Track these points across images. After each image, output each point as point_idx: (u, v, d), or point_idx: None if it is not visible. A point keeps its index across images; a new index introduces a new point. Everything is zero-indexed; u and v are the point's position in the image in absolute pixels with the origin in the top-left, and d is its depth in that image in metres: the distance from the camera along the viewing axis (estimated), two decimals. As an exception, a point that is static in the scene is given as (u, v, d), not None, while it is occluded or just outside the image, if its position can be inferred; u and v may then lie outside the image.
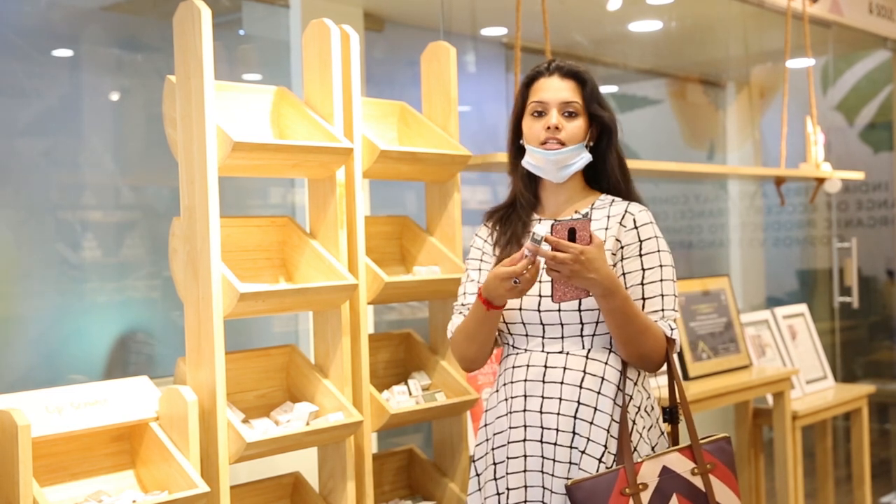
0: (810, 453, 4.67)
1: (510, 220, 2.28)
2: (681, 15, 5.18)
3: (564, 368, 2.15)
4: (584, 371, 2.14)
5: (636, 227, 2.18)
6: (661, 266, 2.17)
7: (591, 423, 2.12)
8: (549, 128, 2.18)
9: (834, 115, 6.48)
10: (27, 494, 1.90)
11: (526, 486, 2.14)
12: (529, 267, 2.02)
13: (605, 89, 5.66)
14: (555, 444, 2.14)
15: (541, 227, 2.22)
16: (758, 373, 4.05)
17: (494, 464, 2.19)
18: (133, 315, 3.28)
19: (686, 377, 3.85)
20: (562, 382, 2.15)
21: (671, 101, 6.01)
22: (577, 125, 2.20)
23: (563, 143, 2.18)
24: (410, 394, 2.72)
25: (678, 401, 2.20)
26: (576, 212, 2.23)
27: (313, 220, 2.54)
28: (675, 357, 2.22)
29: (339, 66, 2.52)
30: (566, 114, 2.20)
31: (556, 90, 2.20)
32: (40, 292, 3.06)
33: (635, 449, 2.13)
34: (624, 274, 2.17)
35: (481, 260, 2.32)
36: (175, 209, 2.28)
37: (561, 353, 2.17)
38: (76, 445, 2.15)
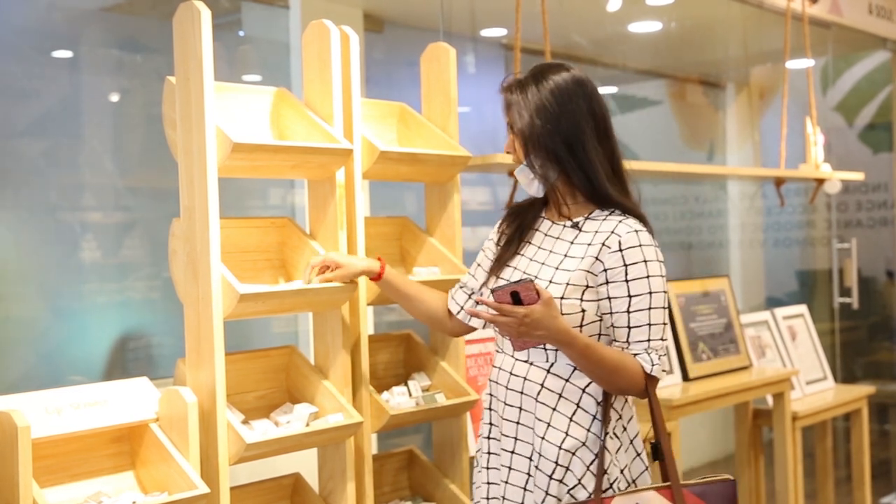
0: (810, 454, 4.67)
1: (520, 218, 2.28)
2: (680, 16, 5.18)
3: (525, 379, 2.14)
4: (542, 385, 2.11)
5: (621, 251, 2.06)
6: (650, 293, 2.05)
7: (543, 438, 2.08)
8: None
9: (833, 116, 6.48)
10: (27, 495, 1.90)
11: (497, 483, 2.18)
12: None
13: (604, 90, 5.66)
14: (512, 452, 2.14)
15: (496, 284, 2.19)
16: (758, 373, 4.05)
17: (487, 453, 2.24)
18: (133, 316, 3.28)
19: (686, 378, 3.85)
20: (521, 392, 2.14)
21: (671, 102, 6.02)
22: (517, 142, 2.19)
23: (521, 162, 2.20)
24: (410, 395, 2.72)
25: (658, 438, 2.09)
26: (524, 272, 2.16)
27: (313, 220, 2.54)
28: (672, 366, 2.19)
29: (339, 67, 2.52)
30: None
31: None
32: (40, 293, 3.07)
33: (606, 471, 2.06)
34: (610, 299, 2.07)
35: (487, 248, 2.36)
36: (175, 210, 2.28)
37: (526, 361, 2.15)
38: (76, 446, 2.15)
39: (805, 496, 4.26)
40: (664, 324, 2.09)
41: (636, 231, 2.09)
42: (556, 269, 2.12)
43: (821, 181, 4.82)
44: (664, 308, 2.09)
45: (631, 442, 2.16)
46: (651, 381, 2.07)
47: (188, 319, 2.25)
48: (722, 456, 5.61)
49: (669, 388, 3.69)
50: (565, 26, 4.69)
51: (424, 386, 2.79)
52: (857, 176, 5.01)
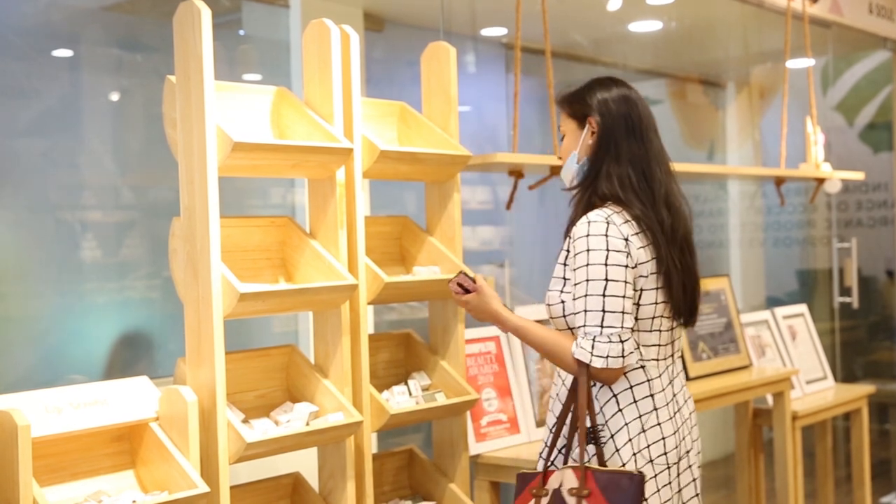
0: (810, 453, 4.66)
1: None
2: (681, 15, 5.18)
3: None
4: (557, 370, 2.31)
5: (572, 241, 2.17)
6: (587, 281, 2.11)
7: (550, 410, 2.30)
8: None
9: (834, 116, 6.48)
10: (27, 494, 1.90)
11: None
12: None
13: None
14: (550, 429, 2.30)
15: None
16: (758, 373, 4.05)
17: None
18: (133, 315, 3.28)
19: (686, 377, 3.85)
20: (557, 374, 2.33)
21: (671, 102, 6.01)
22: (564, 143, 2.34)
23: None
24: (410, 394, 2.72)
25: (577, 422, 2.15)
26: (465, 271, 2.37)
27: (313, 220, 2.54)
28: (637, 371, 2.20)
29: (339, 67, 2.52)
30: (561, 138, 2.38)
31: None
32: (40, 292, 3.06)
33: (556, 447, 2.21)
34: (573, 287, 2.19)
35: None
36: (175, 209, 2.28)
37: None
38: (76, 445, 2.15)
39: (805, 496, 4.26)
40: (604, 311, 2.11)
41: (588, 222, 2.17)
42: (557, 264, 2.28)
43: (821, 181, 4.82)
44: (604, 295, 2.11)
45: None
46: (580, 364, 2.13)
47: (188, 318, 2.25)
48: (722, 455, 5.61)
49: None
50: (566, 26, 4.68)
51: (424, 385, 2.79)
52: (858, 175, 5.01)
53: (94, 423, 2.11)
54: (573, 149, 2.29)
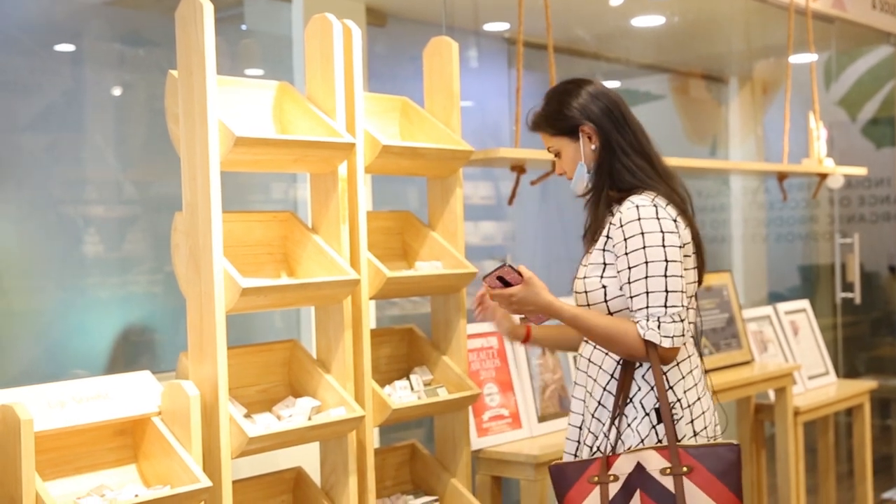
0: (812, 449, 4.67)
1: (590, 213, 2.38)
2: (683, 10, 5.17)
3: (580, 356, 2.34)
4: (589, 359, 2.29)
5: (621, 226, 2.18)
6: (646, 263, 2.13)
7: (587, 408, 2.27)
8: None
9: (836, 111, 6.47)
10: (30, 489, 1.91)
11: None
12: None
13: (607, 85, 5.65)
14: (577, 427, 2.31)
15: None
16: (760, 368, 4.05)
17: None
18: (135, 310, 3.28)
19: (688, 373, 3.85)
20: (578, 369, 2.34)
21: (674, 97, 6.00)
22: (563, 158, 2.35)
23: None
24: (412, 389, 2.72)
25: (659, 399, 2.16)
26: (502, 260, 2.30)
27: (315, 215, 2.54)
28: (690, 347, 2.24)
29: (342, 61, 2.52)
30: (555, 154, 2.38)
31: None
32: (43, 287, 3.07)
33: (620, 439, 2.17)
34: (619, 273, 2.19)
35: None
36: (177, 204, 2.28)
37: (586, 341, 2.32)
38: (79, 440, 2.15)
39: (807, 491, 4.27)
40: (667, 291, 2.14)
41: (637, 206, 2.18)
42: (589, 254, 2.29)
43: (823, 176, 4.81)
44: (666, 276, 2.14)
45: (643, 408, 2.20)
46: (650, 345, 2.13)
47: (190, 313, 2.25)
48: (724, 450, 5.60)
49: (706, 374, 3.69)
50: (568, 20, 4.67)
51: (426, 380, 2.80)
52: (860, 171, 5.00)
53: (97, 418, 2.11)
54: (577, 160, 2.31)
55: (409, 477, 2.92)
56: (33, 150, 3.10)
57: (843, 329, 5.80)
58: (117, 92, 3.39)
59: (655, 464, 2.08)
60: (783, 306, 4.62)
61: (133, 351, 3.26)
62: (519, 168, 3.37)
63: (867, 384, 4.62)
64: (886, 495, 5.55)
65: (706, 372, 2.35)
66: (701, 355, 2.36)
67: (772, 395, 4.13)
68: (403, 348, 2.90)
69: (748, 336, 4.23)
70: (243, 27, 3.75)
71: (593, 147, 2.28)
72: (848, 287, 5.62)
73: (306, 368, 2.52)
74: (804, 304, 4.77)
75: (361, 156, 2.55)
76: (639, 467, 2.08)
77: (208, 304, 2.21)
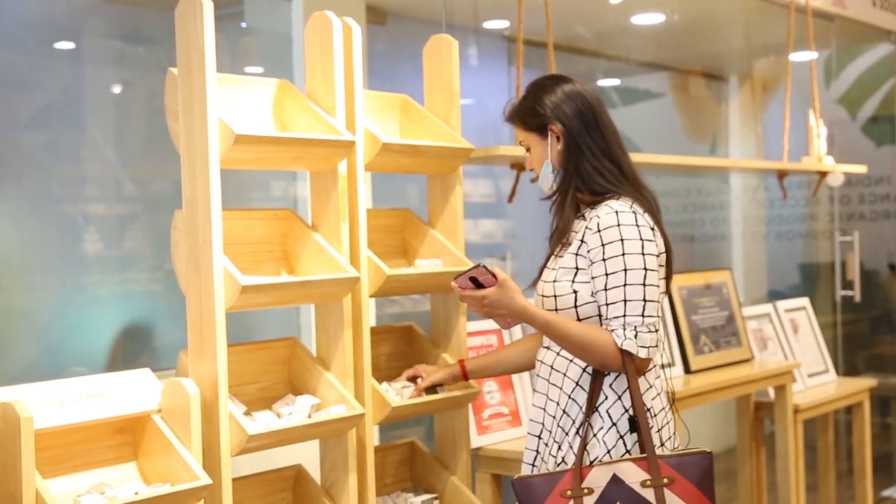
0: (812, 447, 4.67)
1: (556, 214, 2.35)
2: (683, 8, 5.17)
3: (541, 363, 2.29)
4: (552, 366, 2.24)
5: (599, 231, 2.14)
6: (625, 270, 2.10)
7: (547, 415, 2.24)
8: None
9: (836, 109, 6.47)
10: (30, 486, 1.91)
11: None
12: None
13: (607, 82, 5.66)
14: (536, 435, 2.27)
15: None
16: (759, 366, 4.05)
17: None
18: (135, 307, 3.28)
19: (688, 371, 3.86)
20: (538, 376, 2.30)
21: (673, 95, 6.00)
22: (532, 155, 2.34)
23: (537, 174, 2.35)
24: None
25: (635, 412, 2.12)
26: (481, 262, 2.28)
27: (315, 212, 2.54)
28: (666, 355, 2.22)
29: (341, 59, 2.52)
30: (526, 150, 2.37)
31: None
32: (42, 285, 3.06)
33: (585, 450, 2.12)
34: (594, 279, 2.15)
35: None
36: (177, 202, 2.28)
37: (546, 347, 2.28)
38: (78, 437, 2.15)
39: (806, 489, 4.27)
40: (645, 300, 2.10)
41: (616, 212, 2.15)
42: (558, 257, 2.24)
43: (823, 174, 4.81)
44: (644, 285, 2.11)
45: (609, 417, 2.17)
46: (626, 355, 2.10)
47: (190, 311, 2.25)
48: (723, 448, 5.61)
49: (671, 380, 3.69)
50: (568, 18, 4.67)
51: (426, 378, 2.79)
52: (860, 169, 5.00)
53: (97, 416, 2.11)
54: (544, 158, 2.29)
55: (409, 475, 2.92)
56: (33, 147, 3.09)
57: (843, 327, 5.80)
58: (117, 89, 3.39)
59: (634, 476, 2.03)
60: (783, 304, 4.62)
61: (133, 349, 3.26)
62: (519, 166, 3.37)
63: (867, 382, 4.62)
64: (886, 493, 5.55)
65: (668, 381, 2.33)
66: (664, 365, 2.34)
67: (771, 392, 4.13)
68: (403, 346, 2.90)
69: (748, 334, 4.23)
70: (243, 25, 3.75)
71: (559, 148, 2.27)
72: (848, 285, 5.62)
73: (306, 366, 2.52)
74: (804, 301, 4.77)
75: (361, 153, 2.55)
76: (615, 479, 2.03)
77: (208, 302, 2.21)
